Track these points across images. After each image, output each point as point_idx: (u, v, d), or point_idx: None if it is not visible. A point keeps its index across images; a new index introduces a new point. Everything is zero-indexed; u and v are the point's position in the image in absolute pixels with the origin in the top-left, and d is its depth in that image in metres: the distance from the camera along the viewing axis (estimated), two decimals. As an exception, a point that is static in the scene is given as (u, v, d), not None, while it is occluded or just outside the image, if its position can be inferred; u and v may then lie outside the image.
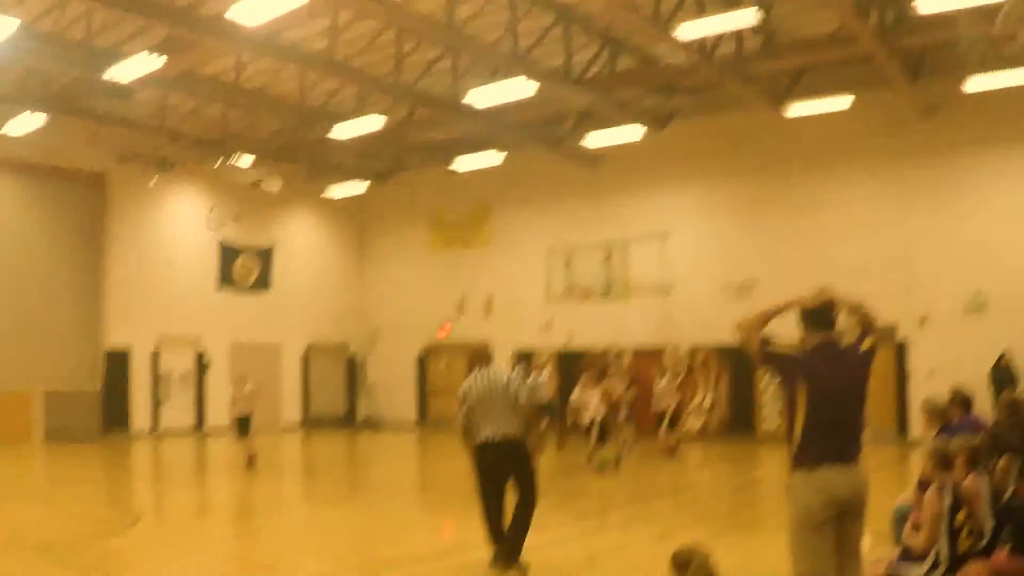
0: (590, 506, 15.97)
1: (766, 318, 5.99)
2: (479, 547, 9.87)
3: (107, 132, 26.57)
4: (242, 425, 20.26)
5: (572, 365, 27.51)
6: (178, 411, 29.57)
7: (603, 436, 19.71)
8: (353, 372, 34.90)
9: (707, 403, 26.68)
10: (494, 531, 9.72)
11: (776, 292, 23.02)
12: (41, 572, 10.01)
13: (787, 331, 6.11)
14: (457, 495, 15.98)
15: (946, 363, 22.46)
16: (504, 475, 9.71)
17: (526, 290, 29.83)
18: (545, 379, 23.63)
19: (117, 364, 27.99)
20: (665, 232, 27.32)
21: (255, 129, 27.22)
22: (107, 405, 27.88)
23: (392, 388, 34.01)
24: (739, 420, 26.31)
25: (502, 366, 10.61)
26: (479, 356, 10.21)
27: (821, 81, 22.71)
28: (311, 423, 33.13)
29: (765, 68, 22.25)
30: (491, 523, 9.74)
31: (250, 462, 19.91)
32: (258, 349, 31.41)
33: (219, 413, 29.22)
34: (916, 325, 23.61)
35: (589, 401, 20.11)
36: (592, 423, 19.76)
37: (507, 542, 9.53)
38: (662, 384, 22.41)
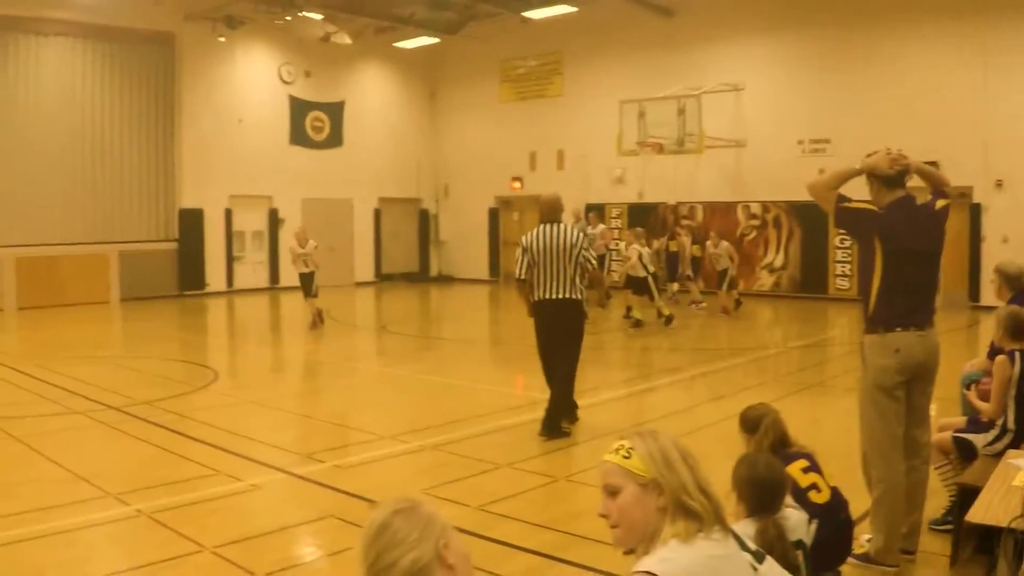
0: (650, 364, 16.01)
1: (841, 178, 5.88)
2: (543, 404, 9.95)
3: (174, -10, 26.40)
4: (305, 282, 20.40)
5: (643, 219, 27.33)
6: (252, 269, 29.95)
7: (642, 292, 19.82)
8: (425, 227, 35.02)
9: (778, 261, 26.36)
10: (551, 383, 10.02)
11: (850, 150, 22.59)
12: (122, 429, 10.26)
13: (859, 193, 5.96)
14: (528, 350, 16.08)
15: (1021, 229, 21.91)
16: (557, 333, 9.85)
17: (598, 143, 29.41)
18: (599, 232, 23.50)
19: (191, 223, 28.25)
20: (740, 85, 26.70)
21: (324, -19, 26.84)
22: (182, 264, 28.25)
23: (464, 242, 34.13)
24: (810, 280, 25.97)
25: (567, 223, 10.12)
26: (550, 208, 10.03)
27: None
28: (384, 279, 33.42)
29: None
30: (548, 376, 10.07)
31: (315, 321, 20.08)
32: (330, 205, 31.56)
33: (292, 271, 29.61)
34: (992, 189, 22.94)
35: (630, 256, 20.13)
36: (633, 278, 19.90)
37: (547, 414, 9.73)
38: (720, 245, 22.14)
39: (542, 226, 9.84)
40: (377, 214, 33.42)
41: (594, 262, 9.96)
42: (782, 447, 5.07)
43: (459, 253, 34.33)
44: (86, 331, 20.79)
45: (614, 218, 29.38)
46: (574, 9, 27.32)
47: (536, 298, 9.81)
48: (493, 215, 33.10)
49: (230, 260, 29.37)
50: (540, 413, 9.87)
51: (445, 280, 34.00)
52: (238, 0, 26.53)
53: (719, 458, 4.60)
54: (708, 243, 22.89)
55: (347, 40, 29.27)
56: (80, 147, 26.58)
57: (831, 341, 19.02)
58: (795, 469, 4.85)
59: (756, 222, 26.65)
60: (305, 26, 27.98)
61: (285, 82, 30.77)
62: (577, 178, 30.03)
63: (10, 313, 24.19)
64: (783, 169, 25.35)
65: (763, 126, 26.32)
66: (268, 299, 28.03)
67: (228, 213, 29.14)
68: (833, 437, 8.46)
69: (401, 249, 34.36)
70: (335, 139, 32.15)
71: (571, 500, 7.87)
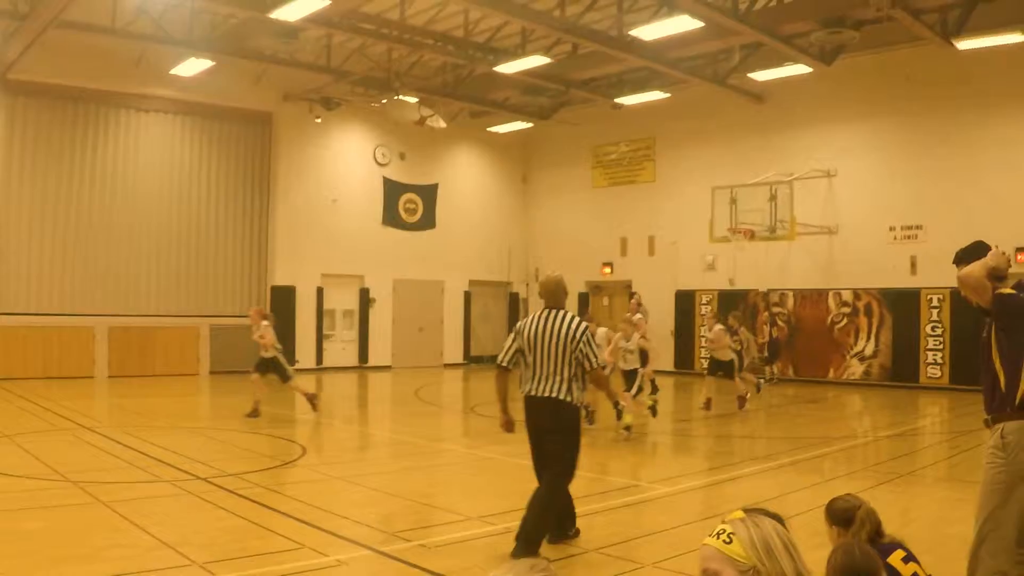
0: (735, 452, 15.65)
1: (986, 270, 5.79)
2: (636, 489, 9.70)
3: (273, 72, 26.94)
4: (262, 366, 18.56)
5: (733, 306, 27.06)
6: (342, 347, 30.13)
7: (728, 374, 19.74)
8: (515, 310, 35.01)
9: (868, 350, 25.82)
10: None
11: (943, 235, 22.20)
12: (209, 499, 10.21)
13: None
14: (612, 433, 15.83)
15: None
16: (545, 437, 8.61)
17: (689, 229, 29.30)
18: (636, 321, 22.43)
19: (283, 300, 28.57)
20: (831, 171, 26.45)
21: (420, 66, 27.26)
22: (273, 340, 28.46)
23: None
24: (901, 368, 25.36)
25: (569, 314, 8.59)
26: (550, 291, 8.87)
27: (994, 14, 21.43)
28: (472, 361, 33.39)
29: (936, 0, 21.14)
30: (539, 480, 8.71)
31: (312, 401, 18.72)
32: (421, 286, 31.75)
33: (382, 350, 29.81)
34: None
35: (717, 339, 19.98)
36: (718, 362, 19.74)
37: (521, 530, 8.16)
38: (713, 332, 20.50)
39: (543, 311, 8.66)
40: (467, 296, 33.52)
41: (594, 360, 8.51)
42: (877, 537, 4.82)
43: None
44: (175, 402, 20.99)
45: (704, 304, 29.08)
46: (666, 95, 27.42)
47: (523, 392, 8.61)
48: (583, 300, 33.00)
49: (320, 338, 29.58)
50: (626, 499, 9.62)
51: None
52: (335, 82, 27.01)
53: (806, 548, 4.37)
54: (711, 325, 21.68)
55: (442, 124, 29.62)
56: (176, 221, 27.21)
57: (921, 431, 18.49)
58: (895, 559, 4.60)
59: (847, 309, 26.19)
60: (401, 109, 28.39)
61: (380, 163, 31.19)
62: (668, 264, 29.88)
63: (101, 381, 24.59)
64: (875, 256, 25.03)
65: (855, 212, 26.00)
66: (356, 378, 28.10)
67: (320, 291, 29.43)
68: (923, 529, 8.13)
69: (490, 332, 34.35)
70: (428, 221, 32.41)
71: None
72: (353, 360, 30.31)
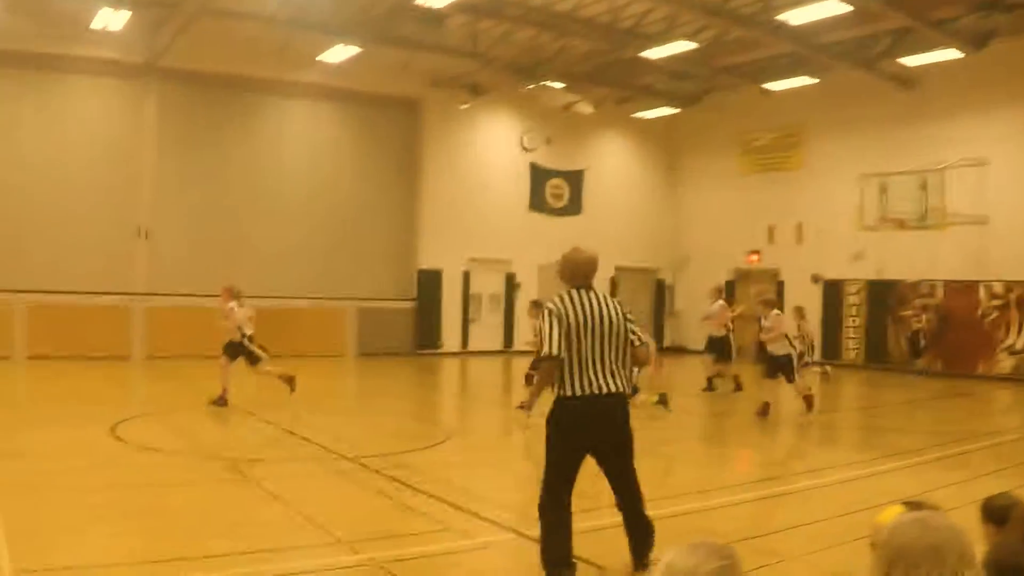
0: (881, 446, 15.15)
1: None
2: (778, 480, 9.44)
3: (420, 58, 27.06)
4: (229, 350, 16.57)
5: (883, 296, 26.34)
6: (487, 331, 30.24)
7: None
8: (660, 297, 34.66)
9: (1020, 344, 24.77)
10: (562, 542, 6.97)
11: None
12: (355, 479, 10.30)
13: None
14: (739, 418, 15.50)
15: None
16: (607, 445, 7.06)
17: (837, 217, 28.52)
18: (716, 309, 21.10)
19: (429, 283, 28.81)
20: (984, 160, 25.41)
21: (566, 52, 27.13)
22: (419, 323, 28.81)
23: (698, 314, 33.55)
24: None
25: (602, 292, 7.26)
26: (586, 268, 7.31)
27: None
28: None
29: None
30: (564, 501, 7.05)
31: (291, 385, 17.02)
32: (566, 272, 31.58)
33: (526, 334, 29.73)
34: None
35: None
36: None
37: (635, 541, 7.16)
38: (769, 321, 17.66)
39: (575, 292, 7.11)
40: (613, 283, 33.28)
41: (641, 334, 7.38)
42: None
43: (693, 324, 33.79)
44: (322, 383, 21.26)
45: (852, 294, 28.35)
46: (815, 80, 26.67)
47: (568, 392, 6.85)
48: (729, 288, 32.47)
49: (466, 321, 29.76)
50: (767, 490, 9.34)
51: (677, 351, 33.48)
52: (482, 68, 27.07)
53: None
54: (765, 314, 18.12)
55: (588, 109, 29.45)
56: (323, 206, 27.61)
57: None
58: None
59: (998, 302, 25.16)
60: (547, 95, 28.32)
61: (526, 149, 31.17)
62: (815, 252, 29.16)
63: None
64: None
65: (1008, 202, 24.89)
66: (501, 362, 28.18)
67: (466, 275, 29.59)
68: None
69: (636, 318, 33.97)
70: (574, 207, 32.28)
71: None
72: (498, 344, 30.37)
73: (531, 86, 27.65)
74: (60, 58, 24.28)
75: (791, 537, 8.55)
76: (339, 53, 24.81)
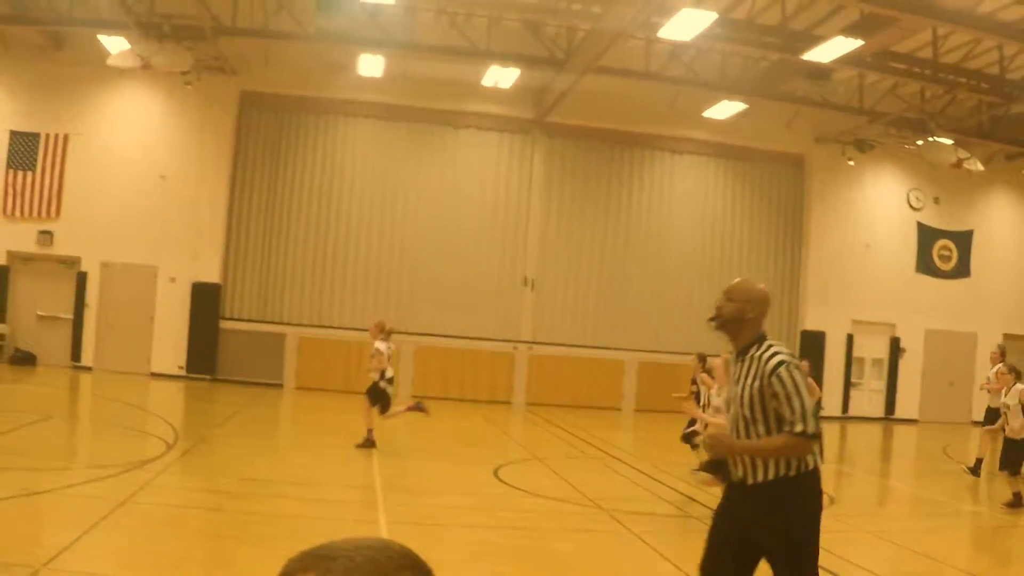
0: None
1: None
2: None
3: (805, 113, 26.82)
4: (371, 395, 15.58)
5: None
6: (868, 396, 29.24)
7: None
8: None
9: None
10: None
11: None
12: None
13: None
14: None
15: None
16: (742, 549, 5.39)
17: None
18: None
19: (813, 345, 28.15)
20: None
21: (954, 106, 26.08)
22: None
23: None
24: None
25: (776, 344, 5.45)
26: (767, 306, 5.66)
27: None
28: None
29: None
30: None
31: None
32: (953, 338, 30.08)
33: (910, 402, 28.66)
34: None
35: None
36: None
37: None
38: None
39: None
40: (1002, 351, 31.32)
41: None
42: None
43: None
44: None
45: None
46: None
47: (812, 465, 5.35)
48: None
49: (847, 386, 28.91)
50: None
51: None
52: (868, 124, 26.46)
53: None
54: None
55: (979, 166, 28.09)
56: (707, 260, 27.83)
57: None
58: None
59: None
60: (936, 151, 27.22)
61: (913, 208, 30.06)
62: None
63: (627, 413, 25.70)
64: None
65: None
66: (881, 429, 27.21)
67: (849, 338, 28.77)
68: None
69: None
70: (962, 269, 30.73)
71: None
72: (879, 411, 29.26)
73: (919, 142, 26.70)
74: (454, 114, 26.24)
75: None
76: (725, 109, 25.11)
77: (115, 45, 22.03)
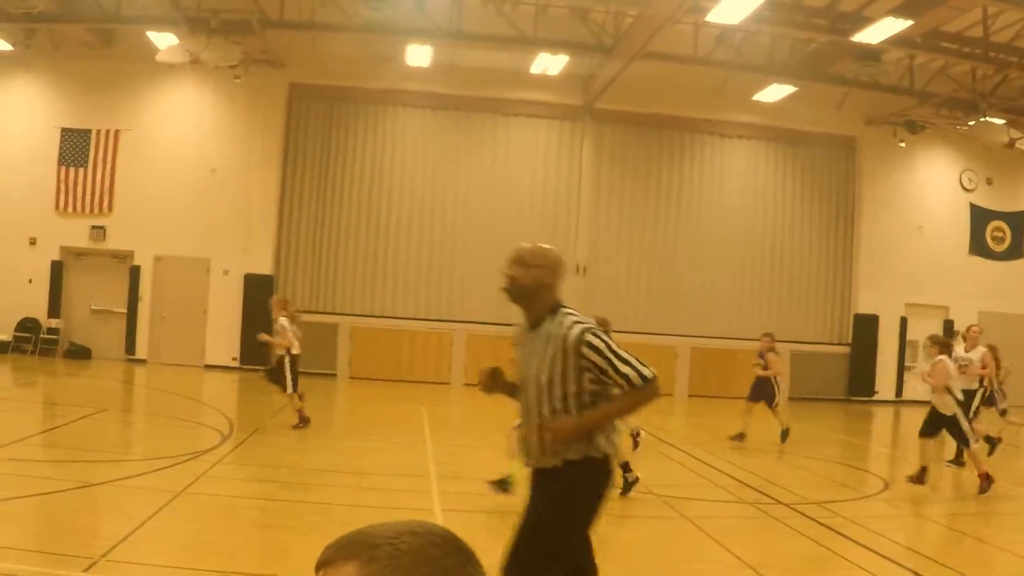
0: None
1: None
2: None
3: (855, 95, 26.60)
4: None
5: None
6: (922, 380, 28.94)
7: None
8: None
9: None
10: None
11: None
12: (791, 525, 10.25)
13: None
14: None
15: None
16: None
17: None
18: None
19: (865, 328, 27.96)
20: None
21: (1006, 86, 25.72)
22: (853, 369, 28.04)
23: None
24: None
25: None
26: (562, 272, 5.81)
27: None
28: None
29: None
30: None
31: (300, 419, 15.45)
32: (1006, 320, 29.59)
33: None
34: None
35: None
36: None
37: None
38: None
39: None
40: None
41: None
42: None
43: None
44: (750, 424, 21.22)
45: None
46: None
47: (612, 451, 5.43)
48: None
49: (901, 369, 28.67)
50: None
51: None
52: (919, 105, 26.17)
53: None
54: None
55: (1034, 148, 27.72)
56: (758, 245, 27.60)
57: None
58: None
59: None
60: (987, 131, 26.88)
61: (966, 189, 29.72)
62: None
63: (681, 399, 25.52)
64: None
65: None
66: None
67: (903, 321, 28.52)
68: None
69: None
70: (1015, 250, 30.35)
71: None
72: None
73: (971, 123, 26.37)
74: (503, 102, 26.33)
75: None
76: (775, 92, 24.99)
77: (164, 41, 22.28)
